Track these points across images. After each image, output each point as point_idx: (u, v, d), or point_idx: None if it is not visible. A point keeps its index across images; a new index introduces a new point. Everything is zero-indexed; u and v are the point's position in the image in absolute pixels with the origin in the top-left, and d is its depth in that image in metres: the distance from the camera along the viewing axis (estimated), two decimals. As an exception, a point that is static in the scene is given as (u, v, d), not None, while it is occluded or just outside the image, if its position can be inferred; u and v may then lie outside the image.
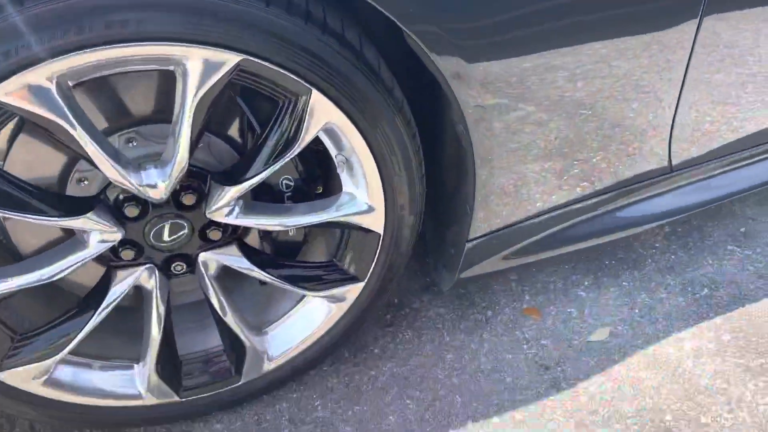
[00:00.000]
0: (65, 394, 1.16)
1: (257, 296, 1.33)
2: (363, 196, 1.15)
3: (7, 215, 0.93)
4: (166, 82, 1.04)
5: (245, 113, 1.10)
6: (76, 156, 1.05)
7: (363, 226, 1.17)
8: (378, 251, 1.22)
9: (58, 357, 1.10)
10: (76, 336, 1.09)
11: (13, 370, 1.08)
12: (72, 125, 0.89)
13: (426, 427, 1.30)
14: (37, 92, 0.84)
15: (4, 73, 0.81)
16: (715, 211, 1.76)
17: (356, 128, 1.04)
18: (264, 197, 1.17)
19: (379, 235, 1.19)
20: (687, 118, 1.31)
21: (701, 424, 1.28)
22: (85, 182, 1.09)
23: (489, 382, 1.38)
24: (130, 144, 1.08)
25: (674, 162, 1.38)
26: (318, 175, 1.20)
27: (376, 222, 1.18)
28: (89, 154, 0.93)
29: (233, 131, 1.14)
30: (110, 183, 1.06)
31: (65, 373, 1.16)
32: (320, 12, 0.95)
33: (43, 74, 0.84)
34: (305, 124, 1.01)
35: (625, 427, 1.28)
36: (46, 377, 1.12)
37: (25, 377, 1.10)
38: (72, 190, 1.09)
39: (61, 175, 1.07)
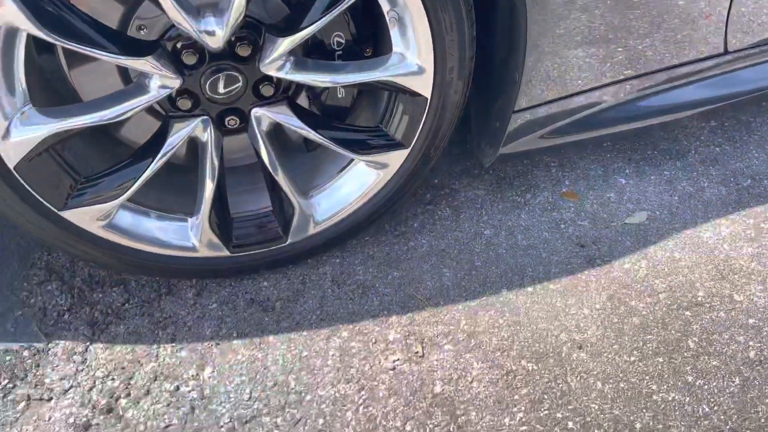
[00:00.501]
0: (124, 239, 1.23)
1: (304, 164, 1.38)
2: (413, 56, 1.16)
3: (73, 47, 0.97)
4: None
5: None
6: (138, 1, 1.08)
7: (411, 88, 1.19)
8: (425, 116, 1.23)
9: (118, 201, 1.16)
10: (135, 182, 1.14)
11: (77, 209, 1.15)
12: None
13: (462, 293, 1.36)
14: None
15: None
16: (765, 109, 1.73)
17: (411, -20, 1.04)
18: (315, 56, 1.19)
19: (427, 99, 1.21)
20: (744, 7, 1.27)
21: (734, 300, 1.31)
22: (145, 30, 1.12)
23: (525, 257, 1.42)
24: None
25: (730, 47, 1.35)
26: (368, 36, 1.21)
27: (424, 84, 1.19)
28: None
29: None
30: (169, 31, 1.10)
31: (125, 219, 1.23)
32: None
33: None
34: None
35: (656, 300, 1.32)
36: (107, 221, 1.19)
37: (88, 218, 1.17)
38: (132, 34, 1.12)
39: (122, 22, 1.11)
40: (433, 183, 1.59)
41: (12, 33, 0.95)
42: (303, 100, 1.28)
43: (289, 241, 1.34)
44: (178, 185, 1.29)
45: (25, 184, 1.07)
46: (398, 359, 1.25)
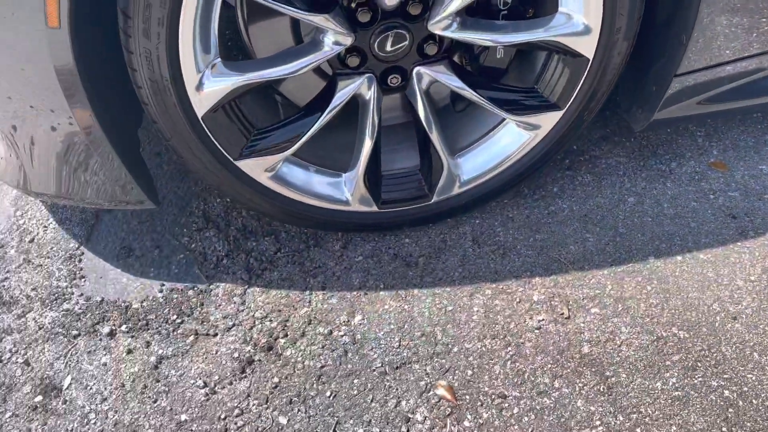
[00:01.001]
0: (286, 189, 1.30)
1: (452, 124, 1.40)
2: (580, 16, 1.15)
3: (265, 2, 1.03)
4: None
5: None
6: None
7: (574, 48, 1.18)
8: (583, 78, 1.23)
9: (287, 153, 1.23)
10: (304, 135, 1.21)
11: (249, 160, 1.23)
12: None
13: (606, 258, 1.35)
14: None
15: None
16: None
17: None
18: (479, 15, 1.21)
19: (588, 60, 1.20)
20: None
21: None
22: (321, -12, 1.17)
23: (672, 225, 1.40)
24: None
25: None
26: (533, -2, 1.21)
27: (588, 45, 1.18)
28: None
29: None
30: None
31: (288, 171, 1.30)
32: None
33: None
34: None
35: (817, 276, 1.27)
36: (273, 173, 1.27)
37: (258, 169, 1.25)
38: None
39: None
40: (572, 149, 1.58)
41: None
42: (459, 60, 1.31)
43: (433, 199, 1.38)
44: (335, 141, 1.35)
45: (209, 133, 1.16)
46: (543, 319, 1.27)
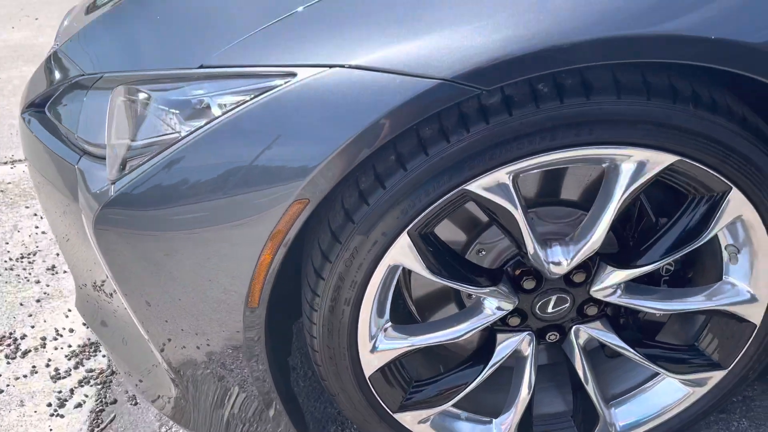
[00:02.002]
0: (435, 436, 1.30)
1: (604, 371, 1.38)
2: (746, 285, 1.15)
3: (447, 283, 1.09)
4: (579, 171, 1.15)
5: (640, 201, 1.17)
6: (483, 230, 1.20)
7: (740, 315, 1.18)
8: (750, 341, 1.20)
9: (445, 406, 1.24)
10: (464, 388, 1.22)
11: (407, 412, 1.24)
12: (516, 208, 1.03)
13: None
14: (502, 186, 0.99)
15: (482, 171, 0.97)
16: None
17: (764, 223, 1.06)
18: (641, 279, 1.23)
19: (755, 326, 1.19)
20: None
21: None
22: (483, 253, 1.23)
23: None
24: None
25: None
26: (693, 261, 1.23)
27: (755, 312, 1.17)
28: (520, 230, 1.06)
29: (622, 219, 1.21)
30: (506, 255, 1.20)
31: (440, 419, 1.30)
32: (752, 118, 0.99)
33: (509, 173, 0.99)
34: (715, 219, 1.05)
35: None
36: (428, 422, 1.27)
37: (414, 420, 1.26)
38: (471, 258, 1.24)
39: (465, 245, 1.23)
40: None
41: (397, 268, 1.09)
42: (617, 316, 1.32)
43: (587, 448, 1.34)
44: (488, 385, 1.36)
45: (373, 390, 1.19)
46: None
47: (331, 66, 0.91)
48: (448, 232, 1.21)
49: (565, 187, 1.20)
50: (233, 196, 1.00)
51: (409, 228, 1.01)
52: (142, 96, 1.09)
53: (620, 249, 1.19)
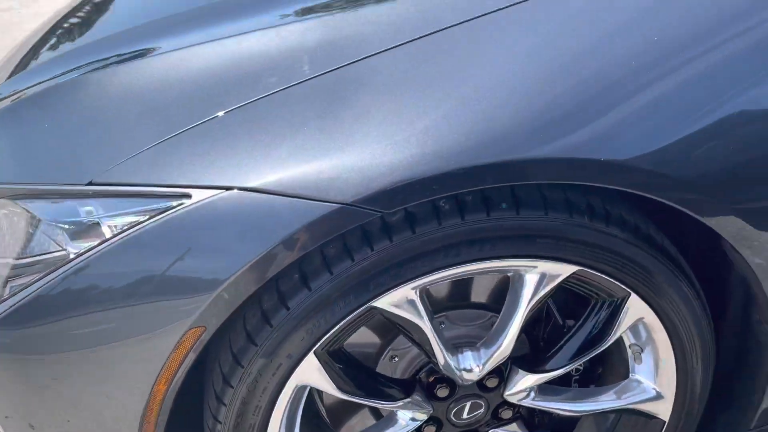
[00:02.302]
0: None
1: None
2: (651, 383, 1.17)
3: (357, 400, 1.05)
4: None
5: (549, 310, 1.18)
6: (395, 336, 1.17)
7: (648, 412, 1.19)
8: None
9: None
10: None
11: None
12: (424, 322, 1.01)
13: None
14: (409, 301, 0.98)
15: (388, 288, 0.95)
16: None
17: (663, 326, 1.09)
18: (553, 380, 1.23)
19: (663, 422, 1.20)
20: None
21: None
22: (396, 359, 1.20)
23: None
24: (440, 326, 1.18)
25: None
26: (601, 360, 1.24)
27: (663, 409, 1.19)
28: (429, 342, 1.04)
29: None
30: (419, 362, 1.18)
31: None
32: (644, 226, 1.03)
33: (415, 288, 0.97)
34: (617, 322, 1.08)
35: None
36: None
37: None
38: (383, 366, 1.20)
39: (378, 352, 1.20)
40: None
41: (305, 387, 1.04)
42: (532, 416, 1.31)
43: None
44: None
45: None
46: None
47: (227, 188, 0.88)
48: (359, 338, 1.18)
49: (475, 290, 1.20)
50: (125, 320, 0.94)
51: (315, 348, 0.97)
52: (27, 211, 1.02)
53: (531, 351, 1.20)
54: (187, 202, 0.89)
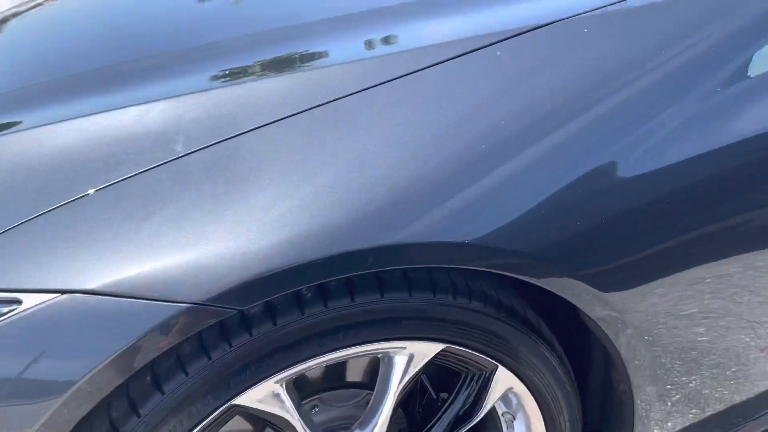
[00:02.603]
0: None
1: None
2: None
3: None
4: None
5: (423, 382, 1.17)
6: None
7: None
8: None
9: None
10: None
11: None
12: (291, 414, 0.96)
13: None
14: (274, 395, 0.93)
15: (250, 385, 0.90)
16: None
17: (531, 394, 1.11)
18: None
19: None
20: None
21: None
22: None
23: None
24: (313, 410, 1.14)
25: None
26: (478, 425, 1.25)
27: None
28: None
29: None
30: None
31: None
32: (507, 299, 1.05)
33: (279, 381, 0.92)
34: (488, 394, 1.08)
35: None
36: None
37: None
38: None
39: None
40: None
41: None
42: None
43: None
44: None
45: None
46: None
47: (62, 291, 0.80)
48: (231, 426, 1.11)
49: (349, 369, 1.17)
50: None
51: (173, 455, 0.90)
52: None
53: (408, 426, 1.18)
54: (18, 308, 0.80)
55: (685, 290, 1.11)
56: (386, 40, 1.13)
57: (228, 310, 0.82)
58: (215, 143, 0.93)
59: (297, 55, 1.16)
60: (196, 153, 0.93)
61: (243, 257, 0.82)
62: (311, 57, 1.15)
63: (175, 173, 0.90)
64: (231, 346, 0.87)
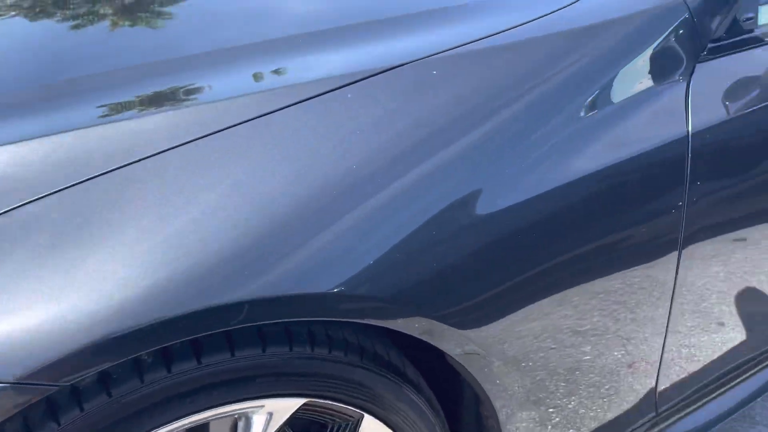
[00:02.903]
0: None
1: None
2: None
3: None
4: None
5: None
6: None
7: None
8: None
9: None
10: None
11: None
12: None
13: None
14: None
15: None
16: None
17: (402, 440, 1.09)
18: None
19: None
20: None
21: None
22: None
23: None
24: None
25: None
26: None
27: None
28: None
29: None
30: None
31: None
32: (370, 345, 1.03)
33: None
34: (357, 444, 1.05)
35: None
36: None
37: None
38: None
39: None
40: None
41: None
42: None
43: None
44: None
45: None
46: None
47: None
48: None
49: (212, 428, 1.10)
50: None
51: None
52: None
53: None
54: None
55: (562, 311, 1.14)
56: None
57: (50, 386, 0.74)
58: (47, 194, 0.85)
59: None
60: (30, 204, 0.85)
61: (64, 326, 0.74)
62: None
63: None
64: (59, 424, 0.79)
